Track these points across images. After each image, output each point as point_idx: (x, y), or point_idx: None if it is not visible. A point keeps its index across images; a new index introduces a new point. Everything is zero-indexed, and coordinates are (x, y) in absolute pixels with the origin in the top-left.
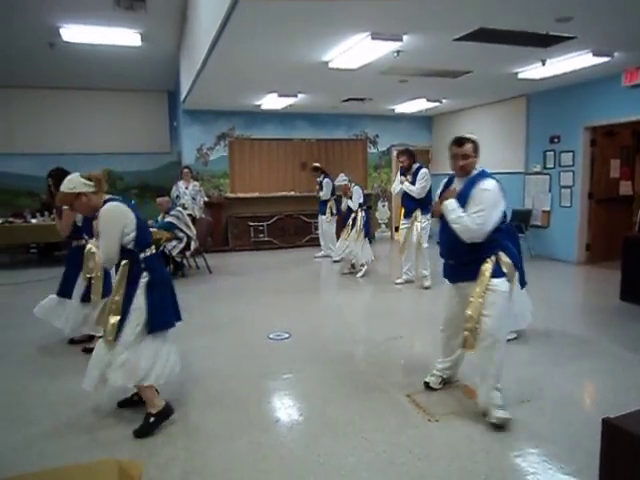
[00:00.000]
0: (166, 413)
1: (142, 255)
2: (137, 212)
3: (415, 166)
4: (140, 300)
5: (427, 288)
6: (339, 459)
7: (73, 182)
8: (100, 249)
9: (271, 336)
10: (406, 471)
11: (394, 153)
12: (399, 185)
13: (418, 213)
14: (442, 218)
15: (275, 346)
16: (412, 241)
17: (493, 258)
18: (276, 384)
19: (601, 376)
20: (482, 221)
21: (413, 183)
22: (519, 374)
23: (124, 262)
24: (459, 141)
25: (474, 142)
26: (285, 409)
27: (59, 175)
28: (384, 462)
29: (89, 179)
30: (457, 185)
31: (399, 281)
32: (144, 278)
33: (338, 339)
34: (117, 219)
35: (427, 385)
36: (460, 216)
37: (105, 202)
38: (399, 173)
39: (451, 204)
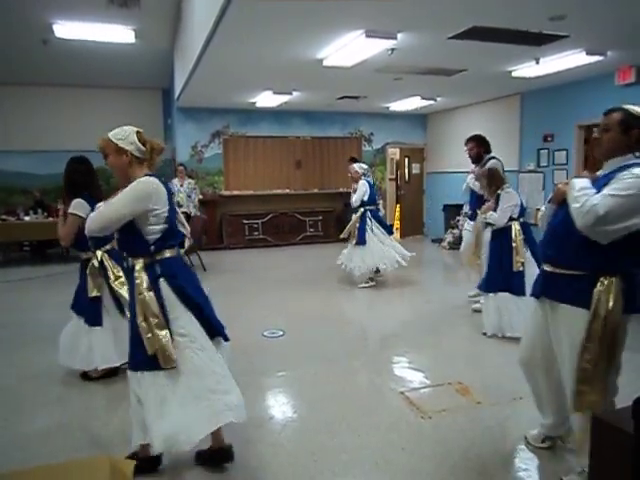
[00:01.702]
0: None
1: (159, 257)
2: (173, 203)
3: (487, 157)
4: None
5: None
6: (332, 456)
7: (126, 133)
8: (102, 208)
9: (265, 333)
10: (399, 468)
11: (389, 151)
12: (468, 179)
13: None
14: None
15: (269, 343)
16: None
17: (613, 279)
18: (270, 381)
19: None
20: (613, 203)
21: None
22: (513, 372)
23: (139, 264)
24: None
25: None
26: (279, 406)
27: (81, 161)
28: (377, 459)
29: (144, 143)
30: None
31: (476, 306)
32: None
33: (332, 337)
34: (147, 193)
35: (526, 440)
36: (585, 191)
37: (144, 176)
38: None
39: (582, 182)
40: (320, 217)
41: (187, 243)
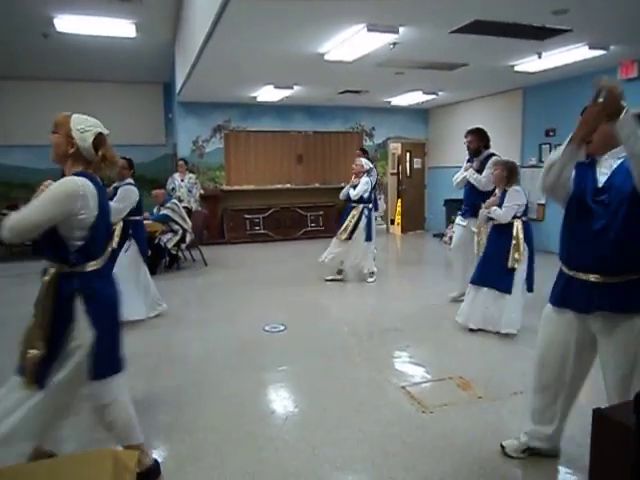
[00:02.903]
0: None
1: (79, 269)
2: (105, 200)
3: (486, 152)
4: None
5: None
6: (333, 450)
7: (86, 128)
8: (21, 211)
9: (267, 328)
10: (399, 462)
11: (390, 146)
12: (461, 173)
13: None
14: (578, 206)
15: (271, 338)
16: (467, 248)
17: None
18: (271, 376)
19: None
20: None
21: (480, 172)
22: (512, 366)
23: (52, 270)
24: None
25: None
26: (280, 401)
27: None
28: (378, 453)
29: (97, 149)
30: None
31: (453, 294)
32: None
33: (334, 331)
34: (70, 195)
35: (503, 449)
36: None
37: (80, 174)
38: (465, 161)
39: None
40: (321, 212)
41: (188, 238)
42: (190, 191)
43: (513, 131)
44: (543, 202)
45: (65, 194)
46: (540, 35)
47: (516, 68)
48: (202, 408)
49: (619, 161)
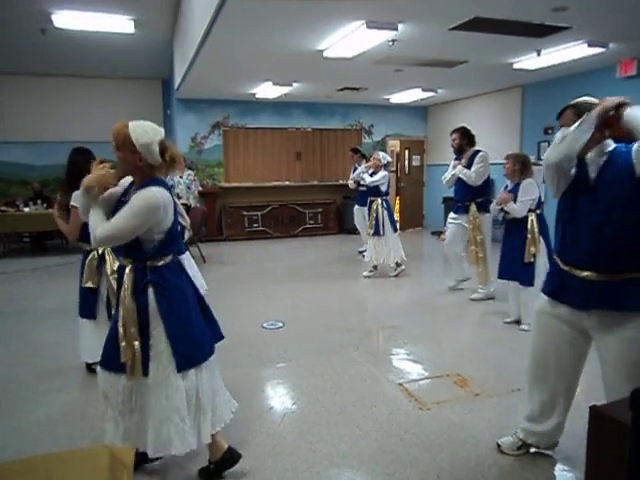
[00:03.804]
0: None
1: (152, 263)
2: (177, 209)
3: (472, 150)
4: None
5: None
6: (331, 447)
7: (148, 139)
8: (110, 224)
9: (265, 325)
10: (397, 458)
11: (389, 143)
12: (450, 172)
13: (473, 208)
14: (575, 202)
15: (269, 335)
16: (458, 242)
17: None
18: (270, 372)
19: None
20: None
21: (468, 168)
22: (509, 363)
23: (130, 266)
24: None
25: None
26: (278, 397)
27: (82, 152)
28: (375, 450)
29: (163, 153)
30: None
31: (451, 284)
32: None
33: (332, 328)
34: (157, 207)
35: (499, 447)
36: None
37: (153, 182)
38: (452, 159)
39: None
40: (320, 209)
41: (187, 235)
42: (189, 188)
43: (512, 129)
44: (542, 199)
45: (148, 209)
46: (539, 32)
47: (515, 66)
48: None
49: (605, 157)
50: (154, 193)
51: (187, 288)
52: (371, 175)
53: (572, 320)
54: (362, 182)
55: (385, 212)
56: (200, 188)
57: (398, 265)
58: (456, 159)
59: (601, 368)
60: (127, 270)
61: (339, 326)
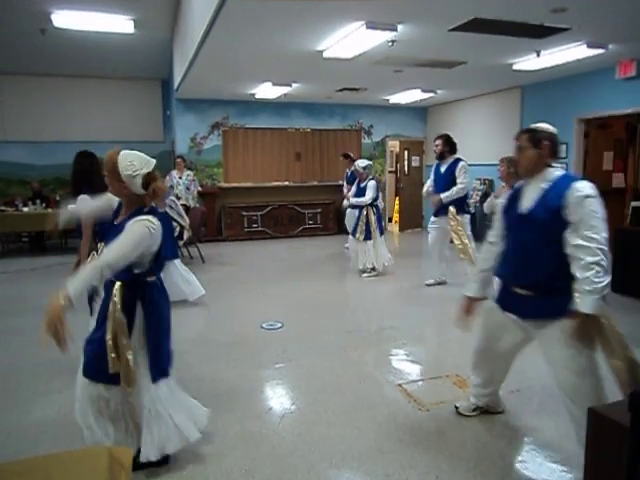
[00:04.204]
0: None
1: (139, 279)
2: (168, 230)
3: (452, 157)
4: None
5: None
6: (330, 448)
7: (134, 171)
8: (112, 251)
9: (264, 325)
10: (396, 459)
11: (388, 143)
12: (430, 185)
13: (452, 210)
14: (510, 221)
15: (268, 335)
16: (441, 243)
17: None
18: (269, 373)
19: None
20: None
21: (445, 174)
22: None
23: (118, 283)
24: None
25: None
26: (277, 398)
27: (85, 155)
28: (374, 451)
29: (147, 186)
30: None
31: (429, 282)
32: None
33: (331, 329)
34: (148, 236)
35: (457, 409)
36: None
37: (140, 210)
38: (434, 167)
39: None
40: (319, 209)
41: (186, 235)
42: (188, 188)
43: (511, 129)
44: None
45: (141, 237)
46: (539, 33)
47: (514, 66)
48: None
49: (543, 188)
50: (146, 224)
51: (165, 305)
52: (358, 184)
53: (516, 319)
54: (365, 203)
55: (374, 218)
56: (199, 188)
57: (373, 269)
58: (436, 168)
59: (550, 369)
60: (116, 286)
61: (338, 327)
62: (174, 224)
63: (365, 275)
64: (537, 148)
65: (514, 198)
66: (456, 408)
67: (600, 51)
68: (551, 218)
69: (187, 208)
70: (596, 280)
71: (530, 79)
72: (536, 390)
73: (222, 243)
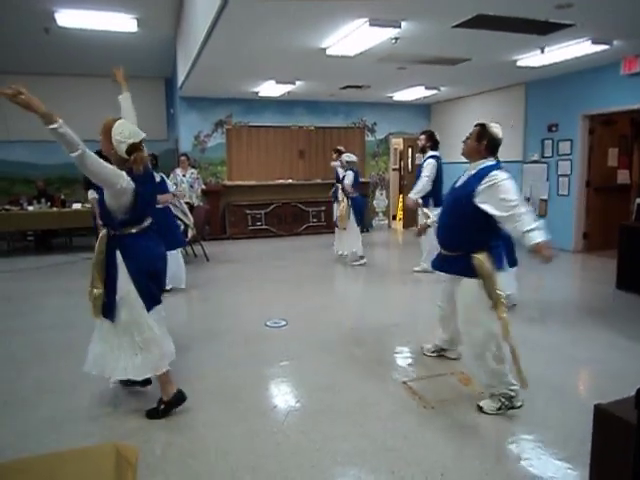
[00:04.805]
0: (178, 401)
1: (120, 232)
2: (143, 187)
3: (428, 153)
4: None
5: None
6: (334, 445)
7: (122, 137)
8: (103, 163)
9: (268, 323)
10: (400, 456)
11: (392, 141)
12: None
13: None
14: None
15: (272, 333)
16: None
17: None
18: (273, 371)
19: (596, 363)
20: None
21: (419, 170)
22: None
23: (104, 231)
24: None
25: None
26: (282, 396)
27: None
28: (379, 448)
29: (130, 153)
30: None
31: (417, 268)
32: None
33: (335, 326)
34: (114, 178)
35: (422, 349)
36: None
37: (127, 171)
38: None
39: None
40: (323, 207)
41: (190, 233)
42: (192, 186)
43: (515, 126)
44: (545, 198)
45: (113, 171)
46: (543, 30)
47: (519, 63)
48: (204, 402)
49: (474, 171)
50: (121, 171)
51: (146, 253)
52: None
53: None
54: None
55: (350, 209)
56: (203, 186)
57: (362, 257)
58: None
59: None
60: (101, 234)
61: (342, 324)
62: (178, 222)
63: (356, 263)
64: (477, 142)
65: (456, 180)
66: (421, 348)
67: (605, 47)
68: (465, 196)
69: (191, 206)
70: (526, 222)
71: (534, 76)
72: (541, 387)
73: (226, 241)
